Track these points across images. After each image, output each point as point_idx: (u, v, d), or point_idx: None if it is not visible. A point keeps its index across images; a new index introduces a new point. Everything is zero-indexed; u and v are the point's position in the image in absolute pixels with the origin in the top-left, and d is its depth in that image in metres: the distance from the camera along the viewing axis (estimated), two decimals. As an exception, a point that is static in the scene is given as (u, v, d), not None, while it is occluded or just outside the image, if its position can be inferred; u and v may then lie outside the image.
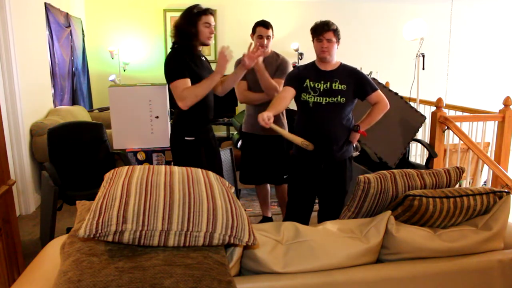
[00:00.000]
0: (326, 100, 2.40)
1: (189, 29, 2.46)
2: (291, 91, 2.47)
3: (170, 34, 2.57)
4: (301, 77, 2.47)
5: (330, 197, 2.56)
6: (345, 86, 2.39)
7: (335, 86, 2.39)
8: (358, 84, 2.43)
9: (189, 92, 2.41)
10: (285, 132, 2.47)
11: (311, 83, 2.43)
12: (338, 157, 2.48)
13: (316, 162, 2.50)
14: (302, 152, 2.49)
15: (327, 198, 2.57)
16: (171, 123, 2.66)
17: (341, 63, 2.49)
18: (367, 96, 2.46)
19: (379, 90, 2.47)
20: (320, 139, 2.44)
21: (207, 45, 2.56)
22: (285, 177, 3.17)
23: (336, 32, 2.40)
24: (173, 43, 2.55)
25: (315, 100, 2.42)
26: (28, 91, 3.78)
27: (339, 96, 2.39)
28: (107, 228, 1.13)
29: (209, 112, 2.64)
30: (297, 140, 2.39)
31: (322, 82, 2.42)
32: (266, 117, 2.22)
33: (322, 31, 2.37)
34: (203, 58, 2.63)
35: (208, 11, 2.49)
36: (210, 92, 2.57)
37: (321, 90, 2.41)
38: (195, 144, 2.57)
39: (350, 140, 2.52)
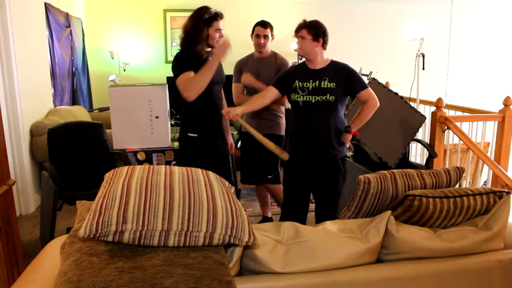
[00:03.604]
0: (315, 98, 2.40)
1: (199, 34, 2.48)
2: (273, 91, 2.54)
3: (180, 38, 2.58)
4: (290, 78, 2.49)
5: (323, 196, 2.56)
6: (334, 84, 2.39)
7: (324, 84, 2.39)
8: (347, 81, 2.41)
9: (191, 82, 2.41)
10: (259, 136, 2.48)
11: (299, 83, 2.45)
12: (330, 156, 2.48)
13: (307, 161, 2.50)
14: (294, 151, 2.50)
15: (321, 197, 2.58)
16: (180, 119, 2.73)
17: (331, 60, 2.48)
18: (357, 94, 2.45)
19: (369, 88, 2.46)
20: (310, 138, 2.44)
21: (214, 47, 2.58)
22: (269, 177, 3.16)
23: (310, 29, 2.39)
24: (181, 48, 2.57)
25: (304, 99, 2.43)
26: (28, 91, 3.78)
27: (328, 94, 2.38)
28: (107, 228, 1.13)
29: (214, 111, 2.65)
30: (270, 145, 2.44)
31: (311, 81, 2.42)
32: (233, 112, 2.37)
33: (297, 30, 2.44)
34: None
35: (219, 17, 2.51)
36: (218, 92, 2.66)
37: (310, 89, 2.42)
38: (197, 141, 2.61)
39: (342, 141, 2.50)
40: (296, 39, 2.50)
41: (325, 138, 2.44)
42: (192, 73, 2.45)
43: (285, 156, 2.46)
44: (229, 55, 2.77)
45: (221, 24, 2.53)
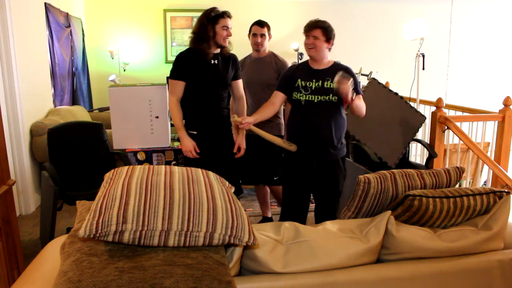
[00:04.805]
0: (318, 98, 2.41)
1: (206, 32, 2.54)
2: (279, 96, 2.55)
3: (189, 39, 2.64)
4: (292, 78, 2.50)
5: (324, 196, 2.56)
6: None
7: (327, 84, 2.40)
8: None
9: (171, 109, 2.67)
10: (265, 133, 2.52)
11: (302, 82, 2.45)
12: (330, 156, 2.48)
13: (308, 160, 2.51)
14: (294, 151, 2.51)
15: (321, 197, 2.58)
16: (184, 117, 2.76)
17: (334, 62, 2.49)
18: None
19: (361, 96, 2.47)
20: (312, 137, 2.45)
21: (224, 47, 2.62)
22: (275, 178, 3.17)
23: (324, 30, 2.39)
24: (190, 45, 2.64)
25: (307, 98, 2.43)
26: (28, 91, 3.77)
27: (331, 95, 2.39)
28: (107, 228, 1.13)
29: (214, 110, 2.70)
30: (277, 141, 2.46)
31: (314, 80, 2.42)
32: (245, 121, 2.40)
33: (309, 28, 2.41)
34: (215, 62, 2.64)
35: (225, 14, 2.56)
36: (221, 93, 2.70)
37: (313, 88, 2.42)
38: (197, 138, 2.68)
39: (337, 84, 2.22)
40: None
41: (327, 138, 2.44)
42: (180, 84, 2.61)
43: (293, 148, 2.48)
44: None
45: (229, 22, 2.57)
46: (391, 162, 3.41)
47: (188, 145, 2.63)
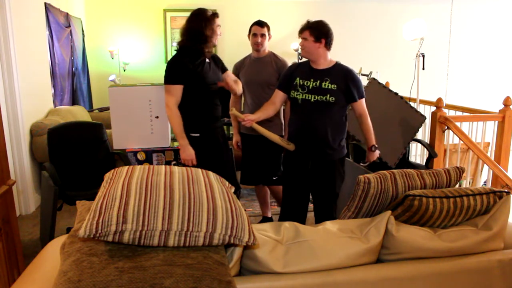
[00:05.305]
0: (314, 98, 2.40)
1: (205, 31, 2.57)
2: (279, 94, 2.57)
3: (180, 36, 2.65)
4: (292, 75, 2.51)
5: (321, 196, 2.56)
6: (335, 86, 2.38)
7: (325, 85, 2.39)
8: (347, 86, 2.40)
9: (169, 115, 2.63)
10: (264, 130, 2.54)
11: (300, 81, 2.45)
12: (327, 157, 2.47)
13: (304, 160, 2.51)
14: (292, 150, 2.51)
15: (319, 197, 2.58)
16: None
17: (336, 62, 2.48)
18: (352, 102, 2.46)
19: (363, 100, 2.48)
20: (308, 137, 2.45)
21: (215, 45, 2.71)
22: (274, 178, 3.17)
23: (312, 30, 2.38)
24: (181, 46, 2.64)
25: (303, 97, 2.43)
26: (28, 91, 3.78)
27: (328, 95, 2.38)
28: (107, 228, 1.13)
29: (213, 110, 2.73)
30: (276, 138, 2.48)
31: (312, 80, 2.42)
32: (247, 121, 2.43)
33: (300, 31, 2.44)
34: (207, 61, 2.68)
35: (217, 14, 2.65)
36: (216, 91, 2.74)
37: (310, 87, 2.41)
38: (200, 140, 2.69)
39: (369, 159, 2.64)
40: (295, 38, 2.52)
41: (323, 138, 2.44)
42: (179, 88, 2.59)
43: (291, 147, 2.49)
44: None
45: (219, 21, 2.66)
46: (391, 162, 3.41)
47: (191, 154, 2.64)
